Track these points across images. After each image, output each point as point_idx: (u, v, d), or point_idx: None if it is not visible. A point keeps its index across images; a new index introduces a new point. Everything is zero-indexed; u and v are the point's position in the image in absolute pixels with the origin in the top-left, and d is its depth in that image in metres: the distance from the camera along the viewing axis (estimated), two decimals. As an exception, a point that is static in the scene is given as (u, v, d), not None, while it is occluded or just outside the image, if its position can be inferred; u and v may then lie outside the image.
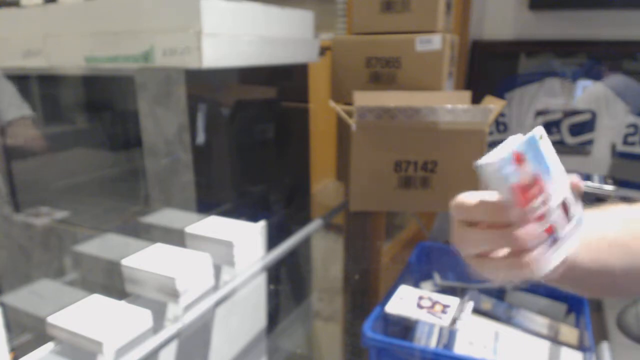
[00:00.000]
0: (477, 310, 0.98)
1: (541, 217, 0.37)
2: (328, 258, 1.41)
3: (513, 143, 0.36)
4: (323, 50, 1.20)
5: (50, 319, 0.59)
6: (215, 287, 0.73)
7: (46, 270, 1.13)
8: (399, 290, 0.96)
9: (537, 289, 1.04)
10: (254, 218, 0.82)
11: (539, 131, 0.38)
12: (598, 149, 1.50)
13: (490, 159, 0.35)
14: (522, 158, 0.36)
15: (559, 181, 0.38)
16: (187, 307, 0.70)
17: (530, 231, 0.35)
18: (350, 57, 1.14)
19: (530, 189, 0.36)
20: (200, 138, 0.94)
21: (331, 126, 1.22)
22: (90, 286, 1.01)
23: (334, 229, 1.35)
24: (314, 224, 1.00)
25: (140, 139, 0.93)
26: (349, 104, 1.05)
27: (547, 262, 0.37)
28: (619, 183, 1.20)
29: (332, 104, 1.02)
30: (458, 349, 0.89)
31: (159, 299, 0.67)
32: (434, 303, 0.91)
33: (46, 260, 1.13)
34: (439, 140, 0.96)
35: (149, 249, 0.73)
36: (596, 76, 1.48)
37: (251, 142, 1.18)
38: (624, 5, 1.38)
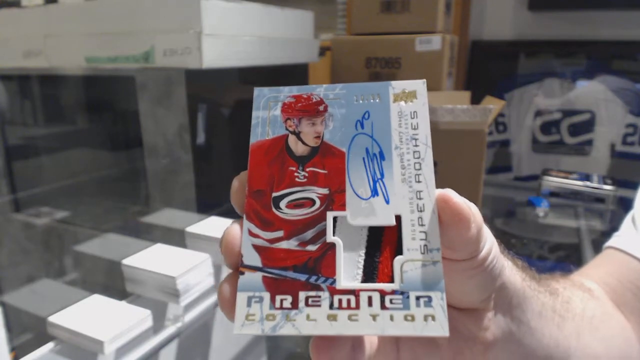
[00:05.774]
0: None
1: None
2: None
3: None
4: (323, 51, 1.20)
5: (51, 319, 0.59)
6: (216, 287, 0.74)
7: (47, 270, 1.14)
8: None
9: None
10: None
11: None
12: (597, 149, 1.51)
13: None
14: None
15: None
16: (187, 307, 0.70)
17: None
18: (350, 58, 1.14)
19: None
20: (201, 138, 0.94)
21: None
22: (90, 286, 1.01)
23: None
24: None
25: (140, 139, 0.93)
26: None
27: None
28: (618, 183, 1.21)
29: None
30: None
31: (159, 298, 0.67)
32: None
33: (47, 260, 1.13)
34: (439, 141, 0.96)
35: (149, 249, 0.73)
36: (595, 76, 1.48)
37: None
38: (623, 5, 1.38)
